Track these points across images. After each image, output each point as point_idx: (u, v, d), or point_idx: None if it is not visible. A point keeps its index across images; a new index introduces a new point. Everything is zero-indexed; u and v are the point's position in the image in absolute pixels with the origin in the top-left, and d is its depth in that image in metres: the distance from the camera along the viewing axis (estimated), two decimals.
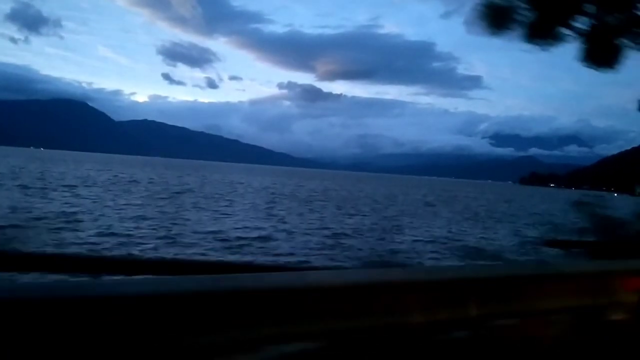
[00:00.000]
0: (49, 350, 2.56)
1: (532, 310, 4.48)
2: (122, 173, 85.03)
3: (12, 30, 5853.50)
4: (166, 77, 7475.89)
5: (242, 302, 3.10)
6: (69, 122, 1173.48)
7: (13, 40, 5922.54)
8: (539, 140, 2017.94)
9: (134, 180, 64.17)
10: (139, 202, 35.68)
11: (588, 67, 6.61)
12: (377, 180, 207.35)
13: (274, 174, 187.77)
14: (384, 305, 3.62)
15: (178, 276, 3.66)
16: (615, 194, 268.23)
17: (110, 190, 43.97)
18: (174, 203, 36.80)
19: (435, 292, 3.89)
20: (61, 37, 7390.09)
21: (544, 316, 4.73)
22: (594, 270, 5.12)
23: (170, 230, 22.82)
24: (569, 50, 7.00)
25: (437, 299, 3.85)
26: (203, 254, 17.50)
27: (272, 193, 59.16)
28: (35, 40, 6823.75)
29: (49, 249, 14.80)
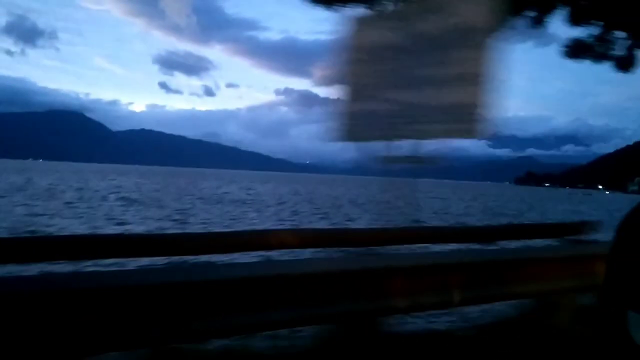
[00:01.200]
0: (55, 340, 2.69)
1: (511, 294, 4.65)
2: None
3: (8, 43, 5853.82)
4: (163, 85, 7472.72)
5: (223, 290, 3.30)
6: (66, 133, 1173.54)
7: (9, 52, 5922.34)
8: (536, 141, 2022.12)
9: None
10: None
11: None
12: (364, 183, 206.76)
13: (280, 181, 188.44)
14: (368, 290, 3.77)
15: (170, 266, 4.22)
16: (607, 192, 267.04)
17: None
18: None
19: (417, 277, 4.01)
20: (57, 49, 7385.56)
21: (521, 300, 5.01)
22: (571, 254, 5.22)
23: None
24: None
25: (419, 284, 3.98)
26: None
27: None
28: (32, 53, 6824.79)
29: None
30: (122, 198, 37.93)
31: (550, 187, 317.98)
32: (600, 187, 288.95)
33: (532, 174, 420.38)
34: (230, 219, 27.42)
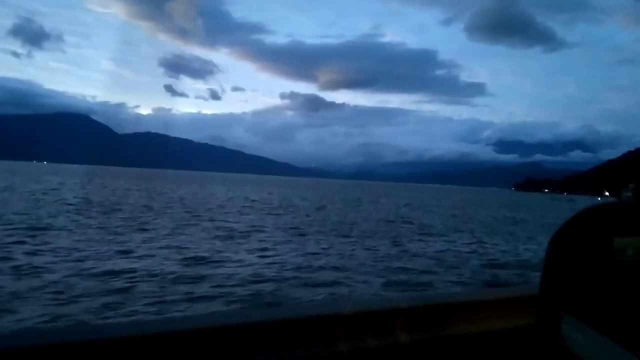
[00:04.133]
0: None
1: (458, 334, 4.45)
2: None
3: (15, 45, 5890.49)
4: (169, 89, 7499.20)
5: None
6: (72, 135, 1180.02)
7: (16, 54, 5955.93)
8: (543, 146, 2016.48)
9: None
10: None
11: None
12: (372, 189, 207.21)
13: (285, 185, 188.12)
14: (311, 337, 3.47)
15: None
16: (599, 198, 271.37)
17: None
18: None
19: (363, 322, 3.80)
20: (64, 52, 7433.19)
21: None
22: (514, 296, 5.12)
23: None
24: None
25: (365, 329, 3.74)
26: None
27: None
28: (38, 55, 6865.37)
29: None
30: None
31: (549, 193, 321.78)
32: (607, 193, 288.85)
33: (531, 180, 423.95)
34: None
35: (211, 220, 29.06)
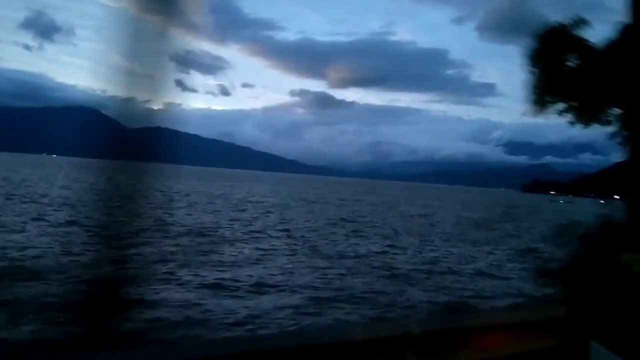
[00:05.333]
0: None
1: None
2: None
3: (27, 38, 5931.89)
4: (179, 83, 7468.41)
5: None
6: (81, 129, 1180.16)
7: (27, 47, 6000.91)
8: (553, 148, 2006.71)
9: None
10: None
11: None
12: (382, 189, 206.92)
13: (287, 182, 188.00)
14: None
15: None
16: (602, 201, 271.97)
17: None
18: None
19: (374, 349, 4.07)
20: (75, 45, 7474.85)
21: None
22: (515, 321, 5.20)
23: None
24: None
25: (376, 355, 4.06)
26: None
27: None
28: (50, 48, 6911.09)
29: None
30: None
31: (555, 194, 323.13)
32: (616, 197, 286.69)
33: (538, 182, 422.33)
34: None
35: None
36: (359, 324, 9.83)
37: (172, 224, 27.67)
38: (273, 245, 23.22)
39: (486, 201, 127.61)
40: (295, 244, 23.81)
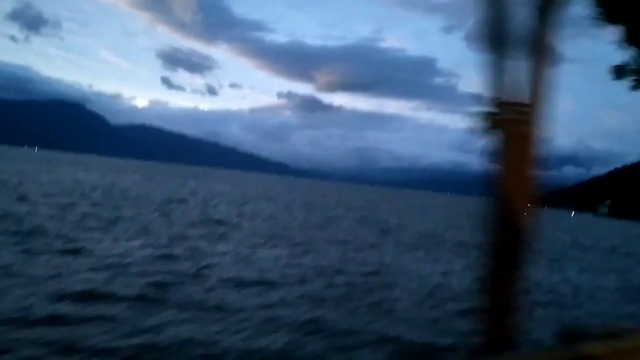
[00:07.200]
0: None
1: None
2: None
3: (14, 29, 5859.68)
4: (165, 81, 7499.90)
5: None
6: (65, 123, 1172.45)
7: (14, 39, 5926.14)
8: None
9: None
10: None
11: None
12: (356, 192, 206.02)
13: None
14: None
15: None
16: (573, 212, 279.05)
17: None
18: None
19: None
20: (62, 38, 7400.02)
21: None
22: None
23: None
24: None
25: None
26: None
27: None
28: (36, 41, 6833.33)
29: None
30: None
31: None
32: (600, 208, 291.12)
33: None
34: None
35: None
36: None
37: None
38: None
39: (458, 208, 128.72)
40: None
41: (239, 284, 15.19)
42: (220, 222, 32.56)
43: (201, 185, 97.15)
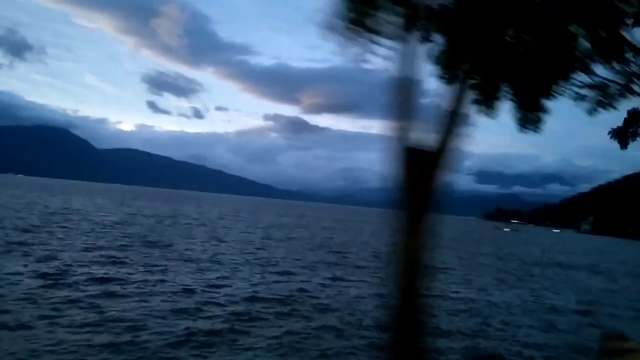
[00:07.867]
0: None
1: None
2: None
3: None
4: (151, 105, 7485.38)
5: None
6: (50, 149, 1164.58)
7: None
8: (522, 178, 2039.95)
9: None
10: None
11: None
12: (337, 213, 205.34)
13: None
14: None
15: None
16: (558, 230, 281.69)
17: None
18: None
19: None
20: (46, 64, 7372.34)
21: None
22: None
23: None
24: None
25: None
26: None
27: None
28: (21, 66, 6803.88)
29: None
30: None
31: (518, 222, 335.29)
32: (582, 225, 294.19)
33: (501, 210, 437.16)
34: None
35: None
36: None
37: None
38: None
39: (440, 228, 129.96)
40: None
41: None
42: (152, 244, 32.02)
43: (165, 205, 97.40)
